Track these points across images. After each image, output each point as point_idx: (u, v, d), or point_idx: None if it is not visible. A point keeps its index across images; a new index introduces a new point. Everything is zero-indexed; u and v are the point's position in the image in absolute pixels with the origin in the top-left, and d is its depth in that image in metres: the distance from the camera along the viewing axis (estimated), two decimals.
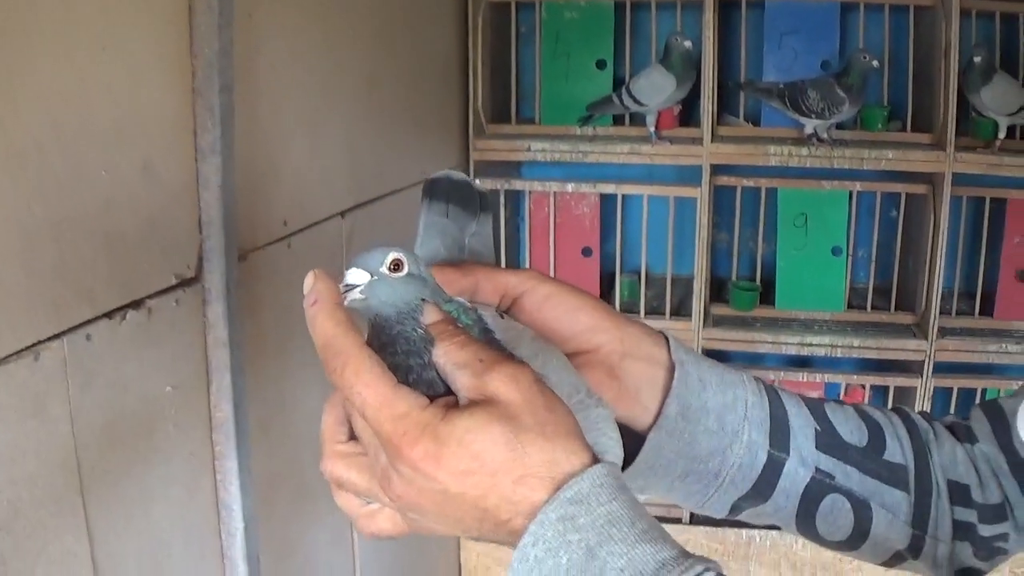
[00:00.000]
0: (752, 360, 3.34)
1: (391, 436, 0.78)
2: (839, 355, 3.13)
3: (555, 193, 3.15)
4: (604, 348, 0.96)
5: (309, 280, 0.85)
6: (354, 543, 2.39)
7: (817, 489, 1.00)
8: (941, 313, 3.02)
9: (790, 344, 3.11)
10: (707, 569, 0.72)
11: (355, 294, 0.83)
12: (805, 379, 3.17)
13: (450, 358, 0.81)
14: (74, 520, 1.40)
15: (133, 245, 1.50)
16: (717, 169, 3.09)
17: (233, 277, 1.69)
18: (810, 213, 3.18)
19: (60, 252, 1.34)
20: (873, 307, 3.20)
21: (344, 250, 2.21)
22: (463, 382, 0.79)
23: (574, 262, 3.18)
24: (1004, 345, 3.06)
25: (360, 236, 2.27)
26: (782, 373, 3.18)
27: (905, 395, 3.14)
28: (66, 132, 1.34)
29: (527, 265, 3.16)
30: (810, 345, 3.10)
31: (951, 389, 3.14)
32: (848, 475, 1.00)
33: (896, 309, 3.20)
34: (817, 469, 1.00)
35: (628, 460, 0.95)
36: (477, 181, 1.11)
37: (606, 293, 3.23)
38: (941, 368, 3.09)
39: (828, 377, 3.19)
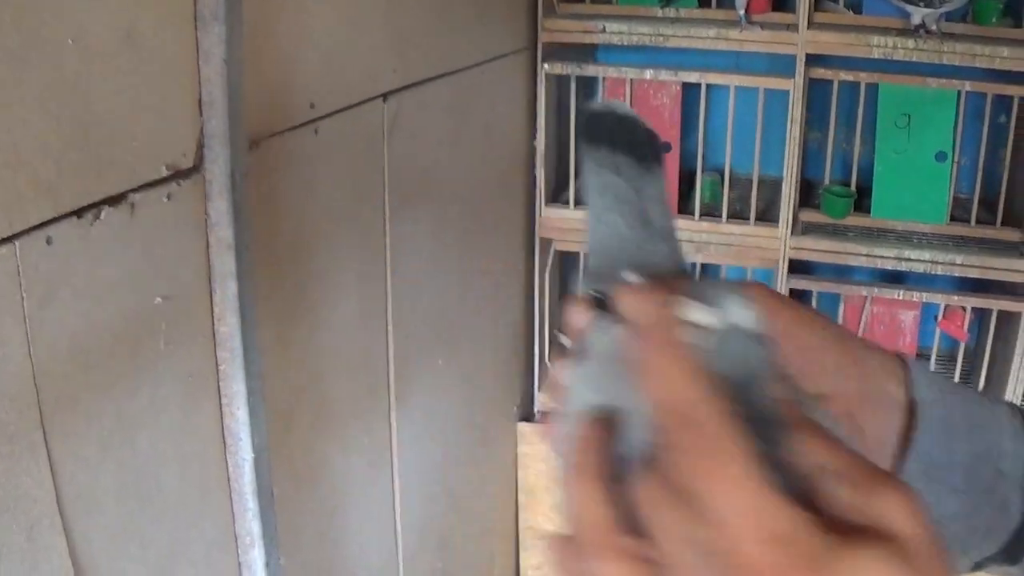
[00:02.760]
0: (842, 273, 3.07)
1: (757, 566, 0.51)
2: (939, 272, 2.85)
3: (632, 80, 2.88)
4: (844, 393, 0.72)
5: (627, 294, 0.61)
6: (394, 468, 2.17)
7: None
8: None
9: (886, 258, 2.84)
10: None
11: (705, 341, 0.58)
12: (901, 296, 2.90)
13: (818, 457, 0.55)
14: (32, 458, 1.19)
15: (111, 130, 1.25)
16: (812, 60, 2.80)
17: (241, 167, 1.45)
18: (913, 113, 2.89)
19: (8, 138, 1.10)
20: (978, 221, 2.92)
21: (385, 140, 1.95)
22: (840, 498, 0.54)
23: None
24: None
25: (407, 123, 2.02)
26: (875, 290, 2.93)
27: (1010, 321, 2.88)
28: None
29: None
30: (908, 260, 2.83)
31: None
32: None
33: (1003, 224, 2.92)
34: None
35: None
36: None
37: (685, 193, 2.97)
38: None
39: (926, 296, 2.92)
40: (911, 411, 0.73)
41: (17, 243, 1.12)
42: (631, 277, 0.65)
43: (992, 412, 0.75)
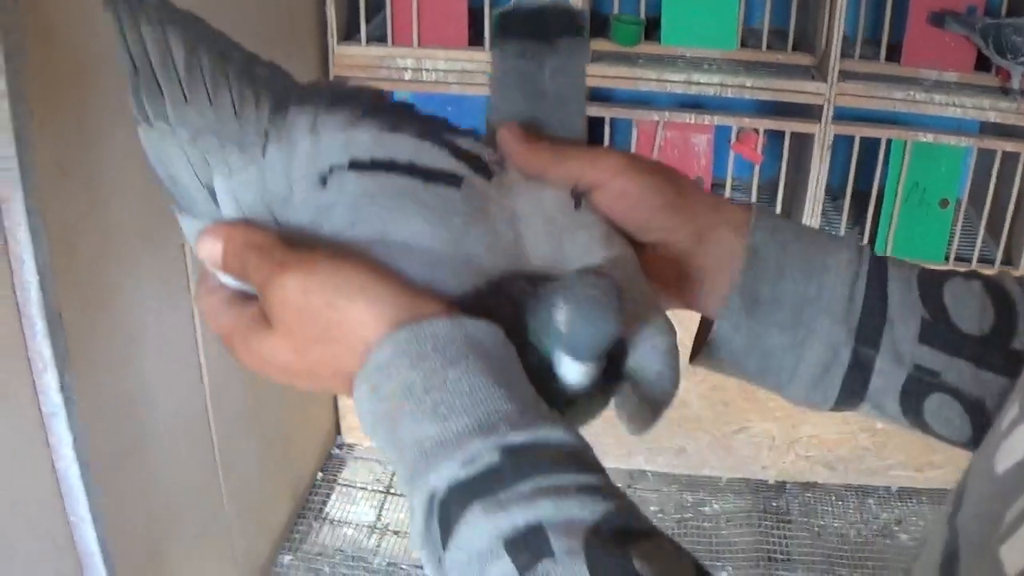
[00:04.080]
0: (638, 99, 3.12)
1: None
2: (730, 95, 2.93)
3: None
4: (675, 240, 0.84)
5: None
6: (192, 296, 2.18)
7: (917, 388, 0.84)
8: (843, 56, 2.85)
9: (675, 82, 2.90)
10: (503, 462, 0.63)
11: None
12: (693, 121, 2.97)
13: None
14: None
15: None
16: None
17: None
18: None
19: None
20: (769, 47, 2.99)
21: None
22: None
23: None
24: (911, 93, 2.88)
25: None
26: (667, 114, 2.99)
27: (803, 142, 2.99)
28: None
29: None
30: (697, 84, 2.90)
31: (852, 138, 2.96)
32: (959, 371, 0.83)
33: (794, 50, 3.01)
34: (916, 366, 0.83)
35: None
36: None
37: (478, 32, 2.95)
38: (842, 115, 2.92)
39: (719, 119, 3.00)
40: (748, 255, 0.83)
41: None
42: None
43: (835, 259, 0.84)
